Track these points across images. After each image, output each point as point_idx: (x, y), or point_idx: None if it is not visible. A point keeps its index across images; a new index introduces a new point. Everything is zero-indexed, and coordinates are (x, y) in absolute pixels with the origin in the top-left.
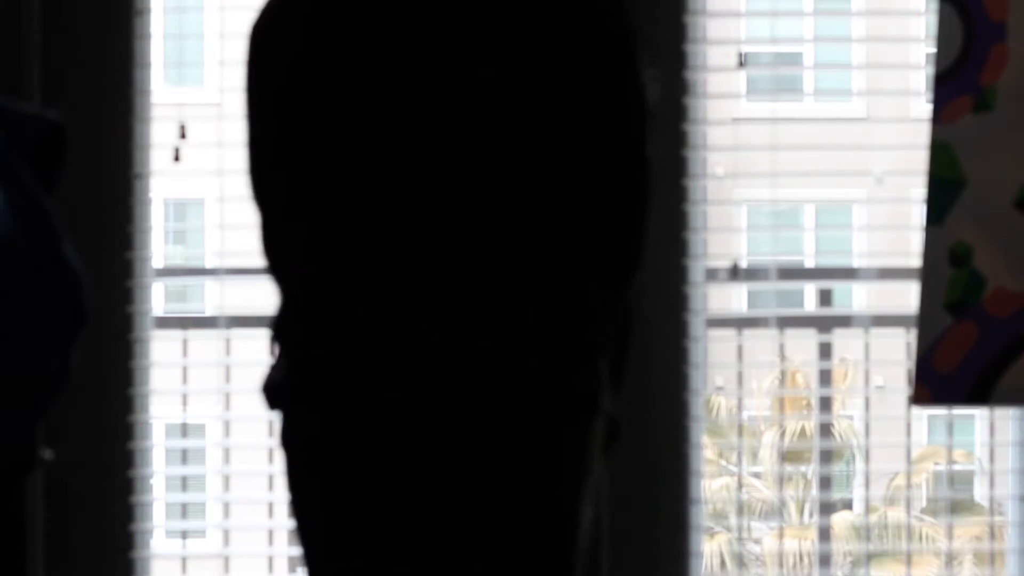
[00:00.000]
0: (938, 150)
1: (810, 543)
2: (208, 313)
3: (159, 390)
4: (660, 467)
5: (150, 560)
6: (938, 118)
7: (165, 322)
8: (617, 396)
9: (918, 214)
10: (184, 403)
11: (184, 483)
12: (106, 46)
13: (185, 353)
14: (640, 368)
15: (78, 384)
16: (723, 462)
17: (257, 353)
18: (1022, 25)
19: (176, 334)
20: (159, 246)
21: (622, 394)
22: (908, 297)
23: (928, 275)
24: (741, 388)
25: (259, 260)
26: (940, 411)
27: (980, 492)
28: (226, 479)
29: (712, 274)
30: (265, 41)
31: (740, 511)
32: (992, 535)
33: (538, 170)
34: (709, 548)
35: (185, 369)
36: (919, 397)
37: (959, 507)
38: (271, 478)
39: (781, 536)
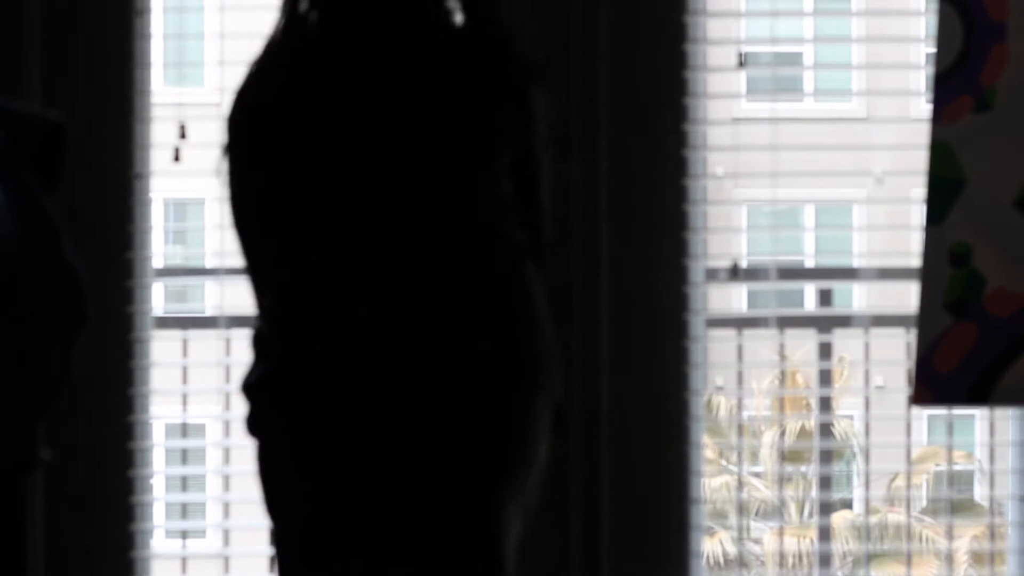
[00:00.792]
0: (938, 150)
1: (809, 543)
2: (208, 313)
3: (159, 390)
4: (660, 467)
5: (150, 560)
6: (938, 118)
7: (165, 322)
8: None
9: (918, 214)
10: (184, 403)
11: (184, 483)
12: (106, 46)
13: (185, 353)
14: (640, 368)
15: (78, 384)
16: (723, 462)
17: None
18: (1022, 25)
19: (176, 334)
20: (159, 246)
21: (625, 383)
22: (908, 297)
23: (928, 275)
24: (741, 388)
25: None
26: (940, 411)
27: (980, 492)
28: (226, 479)
29: (712, 274)
30: (245, 99)
31: (740, 511)
32: (992, 535)
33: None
34: (710, 547)
35: (185, 369)
36: (919, 397)
37: (959, 507)
38: None
39: (781, 536)
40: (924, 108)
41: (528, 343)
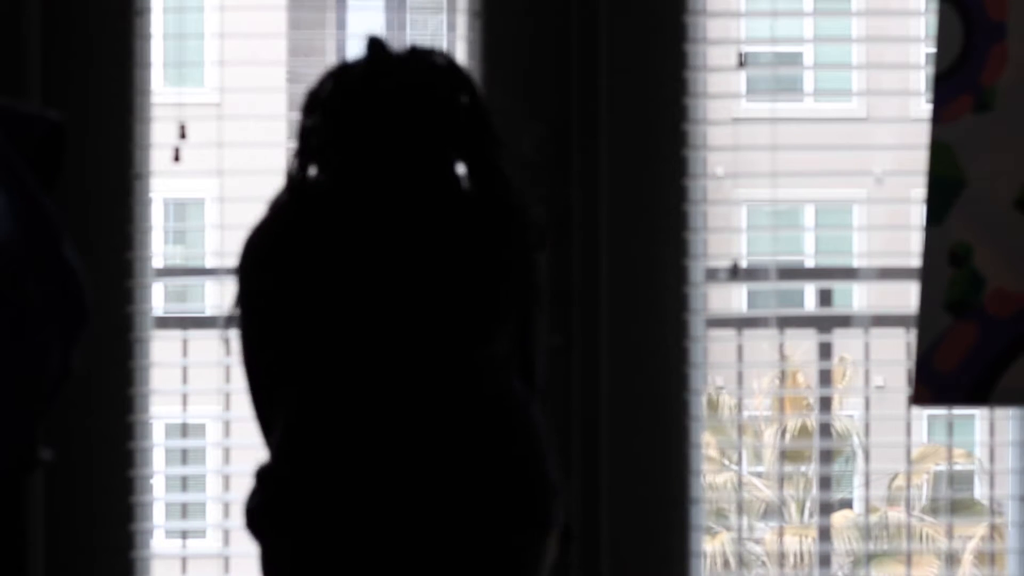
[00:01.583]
0: (938, 150)
1: (810, 542)
2: (208, 313)
3: (159, 390)
4: (660, 467)
5: (150, 560)
6: (938, 118)
7: (165, 322)
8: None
9: (918, 214)
10: (184, 403)
11: (184, 483)
12: (106, 46)
13: (185, 353)
14: (640, 368)
15: (78, 384)
16: (725, 461)
17: None
18: (1022, 25)
19: (176, 334)
20: (159, 246)
21: (624, 392)
22: (908, 297)
23: (928, 275)
24: (741, 388)
25: None
26: (940, 411)
27: (980, 492)
28: (226, 479)
29: (712, 274)
30: (253, 254)
31: (740, 510)
32: (992, 535)
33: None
34: (711, 548)
35: (185, 369)
36: (919, 397)
37: (960, 507)
38: None
39: (781, 536)
40: (924, 108)
41: (539, 481)
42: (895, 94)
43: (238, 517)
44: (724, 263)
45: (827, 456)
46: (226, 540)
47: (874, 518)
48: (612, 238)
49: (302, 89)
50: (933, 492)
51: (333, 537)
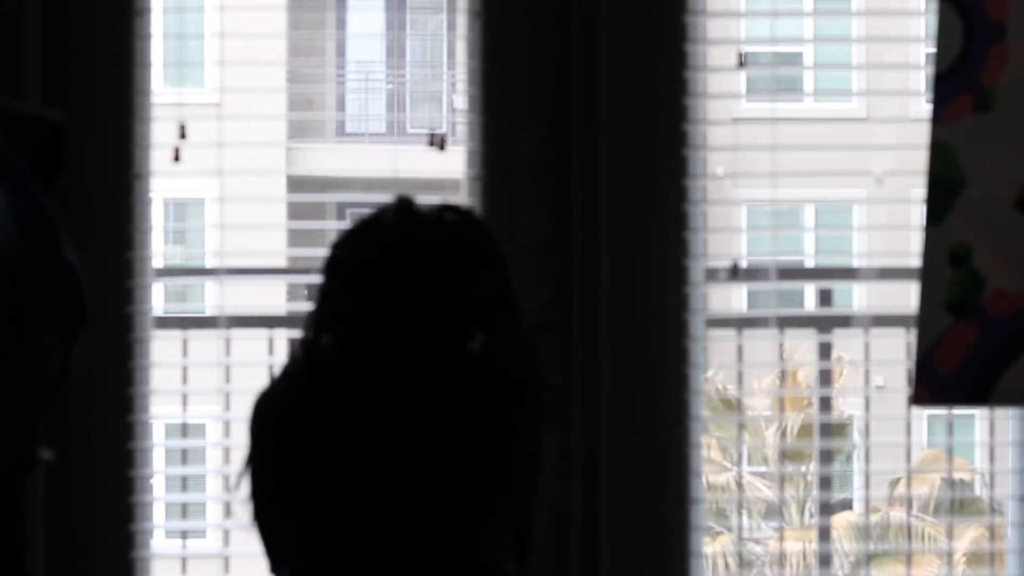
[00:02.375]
0: (938, 150)
1: (811, 543)
2: (208, 313)
3: (159, 390)
4: (660, 467)
5: (150, 560)
6: (938, 118)
7: (165, 322)
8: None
9: (918, 214)
10: (184, 403)
11: (184, 483)
12: (106, 46)
13: (185, 353)
14: (640, 368)
15: (78, 384)
16: (726, 462)
17: (257, 353)
18: (1022, 25)
19: (176, 334)
20: (159, 246)
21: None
22: (908, 297)
23: (928, 275)
24: (741, 388)
25: (258, 261)
26: (940, 411)
27: (981, 494)
28: (226, 479)
29: (712, 274)
30: (263, 417)
31: (740, 509)
32: (992, 535)
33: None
34: (712, 549)
35: (185, 369)
36: (919, 397)
37: (960, 507)
38: None
39: (781, 536)
40: (924, 108)
41: None
42: (895, 94)
43: (238, 517)
44: (724, 263)
45: (827, 457)
46: (226, 540)
47: (874, 518)
48: (612, 238)
49: (302, 89)
50: (934, 493)
51: None
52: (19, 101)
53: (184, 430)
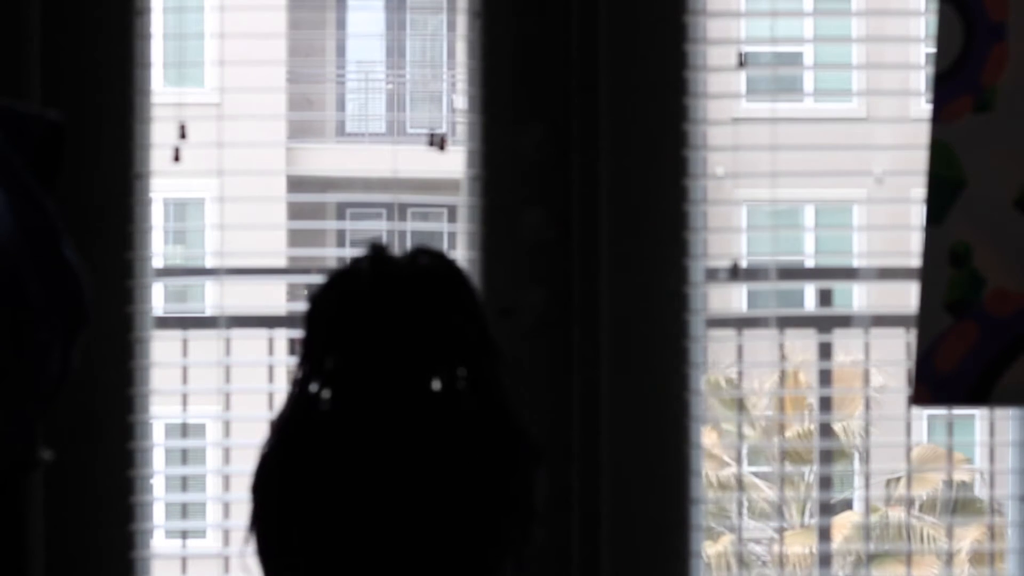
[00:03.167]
0: (938, 150)
1: (811, 543)
2: (208, 313)
3: (159, 390)
4: (660, 467)
5: (150, 560)
6: (938, 118)
7: (165, 322)
8: None
9: (918, 214)
10: (184, 403)
11: (184, 483)
12: (106, 46)
13: (185, 353)
14: (640, 368)
15: (78, 384)
16: (726, 458)
17: (257, 353)
18: (1022, 25)
19: (176, 334)
20: (159, 246)
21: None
22: (908, 297)
23: (928, 275)
24: (741, 388)
25: (258, 261)
26: (940, 411)
27: (981, 493)
28: (226, 479)
29: (712, 274)
30: (262, 478)
31: (740, 509)
32: (992, 535)
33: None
34: (713, 550)
35: (185, 369)
36: (919, 397)
37: (961, 507)
38: None
39: (781, 535)
40: (924, 108)
41: None
42: (895, 94)
43: (238, 517)
44: (724, 263)
45: (827, 457)
46: (226, 540)
47: (874, 518)
48: (612, 238)
49: (302, 89)
50: (934, 493)
51: None
52: (19, 101)
53: (184, 430)
